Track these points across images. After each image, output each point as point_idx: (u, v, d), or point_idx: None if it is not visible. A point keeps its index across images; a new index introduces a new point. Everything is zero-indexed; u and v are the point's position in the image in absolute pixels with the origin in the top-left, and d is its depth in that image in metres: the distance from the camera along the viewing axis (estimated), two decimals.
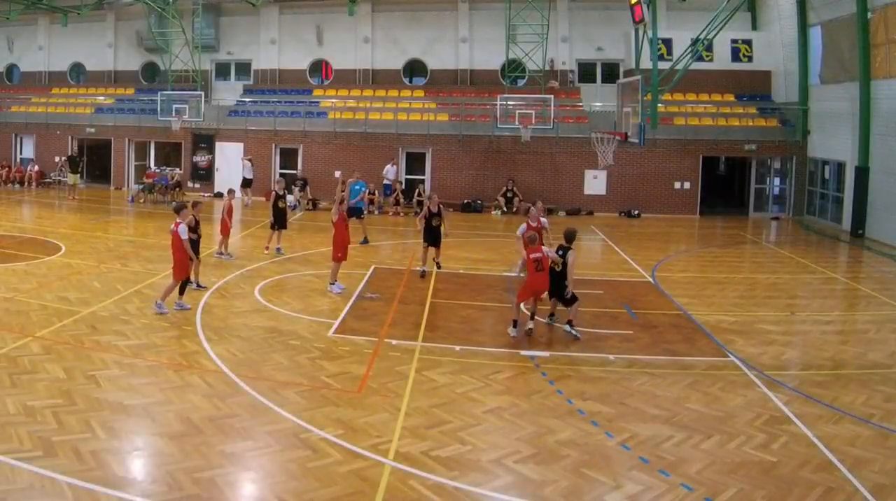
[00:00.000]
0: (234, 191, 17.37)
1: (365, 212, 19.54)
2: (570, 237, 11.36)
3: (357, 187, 18.44)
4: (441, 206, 15.31)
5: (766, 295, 14.45)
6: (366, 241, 18.32)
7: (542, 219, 13.79)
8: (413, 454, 7.00)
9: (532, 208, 13.90)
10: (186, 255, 11.70)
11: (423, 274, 14.93)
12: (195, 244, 12.38)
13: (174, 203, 13.65)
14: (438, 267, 15.28)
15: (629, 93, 19.98)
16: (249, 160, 26.50)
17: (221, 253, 16.15)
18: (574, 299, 11.03)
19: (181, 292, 11.89)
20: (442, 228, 15.21)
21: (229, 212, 15.98)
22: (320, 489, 6.29)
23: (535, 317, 11.25)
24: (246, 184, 25.66)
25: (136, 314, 11.48)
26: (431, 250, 15.25)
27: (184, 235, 11.62)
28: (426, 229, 15.14)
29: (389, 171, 26.07)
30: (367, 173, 26.04)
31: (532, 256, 10.83)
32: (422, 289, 13.78)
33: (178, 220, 11.71)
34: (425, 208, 15.45)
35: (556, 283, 11.07)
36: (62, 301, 12.03)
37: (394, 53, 30.79)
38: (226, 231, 16.11)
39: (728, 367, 9.82)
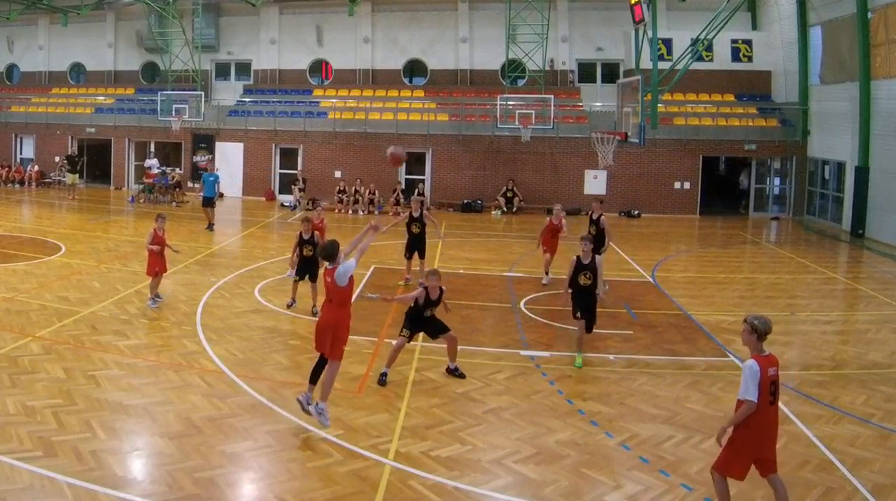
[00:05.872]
0: (163, 217, 12.38)
1: (216, 201, 21.19)
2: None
3: (211, 178, 20.86)
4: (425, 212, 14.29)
5: (766, 295, 14.45)
6: (210, 227, 20.16)
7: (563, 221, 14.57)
8: (413, 454, 6.99)
9: (555, 208, 15.22)
10: None
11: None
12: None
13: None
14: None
15: (629, 94, 20.03)
16: (156, 160, 27.84)
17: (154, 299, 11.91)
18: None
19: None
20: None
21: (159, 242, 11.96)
22: (320, 489, 6.29)
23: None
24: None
25: (136, 314, 11.47)
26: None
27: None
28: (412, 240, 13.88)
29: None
30: (367, 173, 26.21)
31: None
32: None
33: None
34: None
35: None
36: (62, 301, 12.03)
37: (394, 53, 30.79)
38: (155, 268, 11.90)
39: (728, 367, 9.82)
